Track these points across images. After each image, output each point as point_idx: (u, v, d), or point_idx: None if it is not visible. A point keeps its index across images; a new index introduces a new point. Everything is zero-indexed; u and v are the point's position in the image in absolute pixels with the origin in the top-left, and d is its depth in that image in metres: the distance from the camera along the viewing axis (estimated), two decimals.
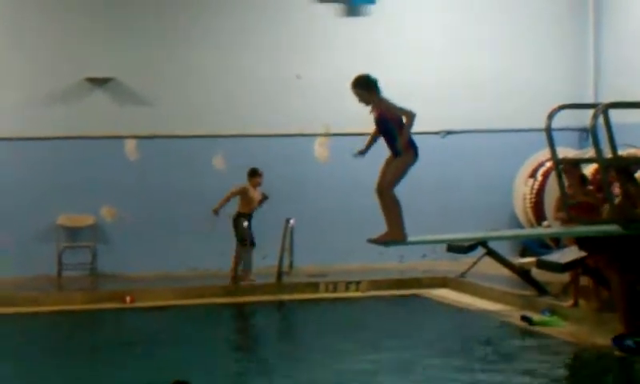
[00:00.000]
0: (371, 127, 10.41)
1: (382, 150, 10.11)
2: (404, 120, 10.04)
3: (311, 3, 17.43)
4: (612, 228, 10.78)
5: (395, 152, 10.11)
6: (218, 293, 15.49)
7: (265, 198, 15.92)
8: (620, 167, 11.07)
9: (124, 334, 13.03)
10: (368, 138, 10.36)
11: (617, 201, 10.74)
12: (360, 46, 16.95)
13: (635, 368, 10.39)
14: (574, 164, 13.00)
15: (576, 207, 12.11)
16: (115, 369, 10.84)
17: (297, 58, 17.32)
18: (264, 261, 16.04)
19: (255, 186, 15.92)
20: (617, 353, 10.85)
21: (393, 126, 10.08)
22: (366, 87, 10.06)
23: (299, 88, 17.29)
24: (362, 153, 10.29)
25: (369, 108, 10.26)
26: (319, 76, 17.25)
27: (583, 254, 12.10)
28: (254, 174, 15.91)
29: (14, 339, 12.70)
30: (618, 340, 10.96)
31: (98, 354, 11.74)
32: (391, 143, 10.11)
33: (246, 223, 15.73)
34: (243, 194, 15.85)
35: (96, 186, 16.70)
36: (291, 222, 15.92)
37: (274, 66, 17.25)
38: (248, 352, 12.23)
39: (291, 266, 16.15)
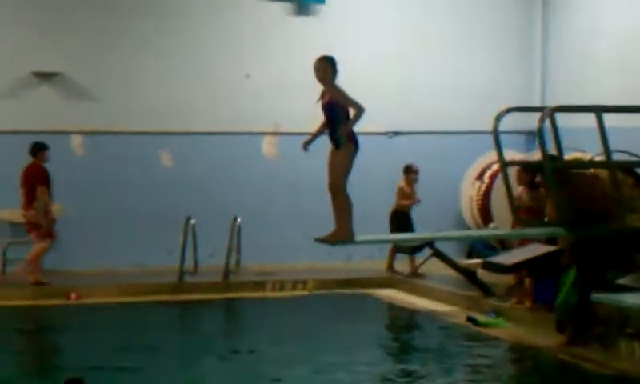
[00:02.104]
0: (319, 123, 10.49)
1: (328, 148, 10.17)
2: (352, 112, 10.17)
3: (261, 2, 17.40)
4: (557, 230, 10.92)
5: (336, 142, 10.21)
6: (165, 290, 15.40)
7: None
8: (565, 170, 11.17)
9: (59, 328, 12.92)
10: (314, 131, 10.47)
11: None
12: (310, 46, 16.82)
13: (576, 370, 10.49)
14: (523, 167, 13.11)
15: (524, 210, 12.24)
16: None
17: (246, 56, 17.29)
18: (211, 259, 15.97)
19: (410, 182, 16.11)
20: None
21: (340, 114, 10.21)
22: (331, 65, 10.30)
23: (248, 86, 17.26)
24: (308, 143, 10.41)
25: (318, 104, 10.36)
26: (268, 75, 17.23)
27: (529, 255, 12.21)
28: (408, 170, 16.15)
29: None
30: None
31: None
32: (334, 132, 10.21)
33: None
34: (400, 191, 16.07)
35: None
36: (239, 220, 15.88)
37: (223, 65, 17.21)
38: (174, 349, 12.05)
39: (238, 264, 16.11)
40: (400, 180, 16.19)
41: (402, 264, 16.05)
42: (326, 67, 10.38)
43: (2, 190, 16.35)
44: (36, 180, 15.37)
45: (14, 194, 16.25)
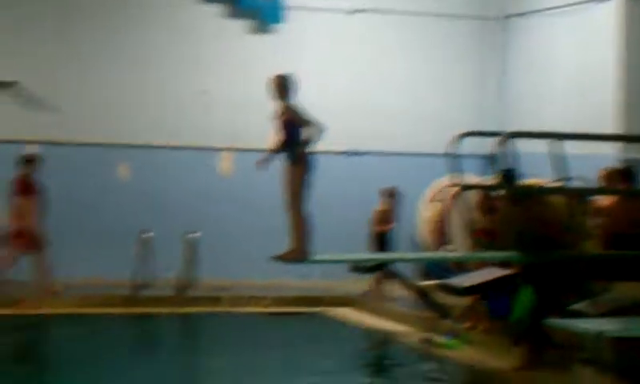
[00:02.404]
0: (272, 141, 10.48)
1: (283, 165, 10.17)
2: (309, 131, 10.17)
3: (219, 19, 17.40)
4: (513, 254, 10.94)
5: (291, 160, 10.20)
6: (119, 302, 15.29)
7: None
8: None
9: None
10: (268, 148, 10.47)
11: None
12: (267, 64, 16.78)
13: None
14: (482, 190, 13.12)
15: (480, 232, 12.25)
16: None
17: (203, 72, 17.29)
18: (167, 273, 15.85)
19: (392, 206, 15.86)
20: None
21: (296, 131, 10.23)
22: (287, 84, 10.32)
23: (205, 102, 17.22)
24: (262, 162, 10.43)
25: (273, 121, 10.37)
26: (226, 91, 17.22)
27: (484, 278, 12.20)
28: (391, 194, 15.92)
29: None
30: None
31: None
32: (289, 150, 10.21)
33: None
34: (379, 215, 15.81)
35: None
36: (195, 234, 15.79)
37: (180, 80, 17.22)
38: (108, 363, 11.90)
39: (193, 279, 16.00)
40: (378, 204, 15.92)
41: (360, 283, 15.97)
42: (281, 86, 10.40)
43: None
44: (23, 191, 15.27)
45: None
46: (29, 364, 11.67)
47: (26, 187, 15.33)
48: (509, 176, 11.01)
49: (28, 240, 15.24)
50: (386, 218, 15.78)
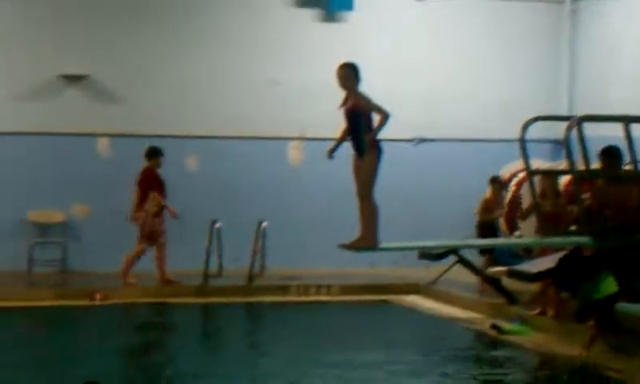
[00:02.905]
0: (341, 129, 10.53)
1: (352, 153, 10.21)
2: (377, 118, 10.20)
3: (289, 8, 17.44)
4: (584, 239, 10.88)
5: (360, 149, 10.24)
6: (189, 292, 15.44)
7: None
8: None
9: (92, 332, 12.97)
10: (337, 137, 10.52)
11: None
12: (336, 52, 16.76)
13: (599, 378, 10.44)
14: (547, 174, 13.07)
15: (547, 216, 12.18)
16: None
17: (273, 62, 17.33)
18: (236, 263, 15.98)
19: (496, 193, 15.41)
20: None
21: (364, 119, 10.26)
22: (353, 72, 10.36)
23: (275, 92, 17.31)
24: (332, 151, 10.48)
25: (341, 110, 10.42)
26: (295, 80, 17.27)
27: (554, 264, 12.15)
28: (494, 181, 15.50)
29: None
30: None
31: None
32: (357, 139, 10.24)
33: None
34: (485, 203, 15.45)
35: (67, 182, 16.65)
36: (264, 224, 15.89)
37: (249, 70, 17.28)
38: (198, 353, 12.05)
39: (263, 268, 16.12)
40: (486, 192, 15.58)
41: (428, 271, 15.97)
42: (348, 74, 10.45)
43: (27, 192, 16.46)
44: (148, 185, 15.50)
45: (39, 195, 16.41)
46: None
47: (149, 180, 15.56)
48: (612, 155, 10.95)
49: (148, 232, 15.49)
50: (492, 206, 15.47)
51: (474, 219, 15.44)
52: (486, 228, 15.27)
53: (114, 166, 16.88)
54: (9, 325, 13.28)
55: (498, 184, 15.57)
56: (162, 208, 15.64)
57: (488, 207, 15.47)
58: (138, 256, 15.70)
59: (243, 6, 17.34)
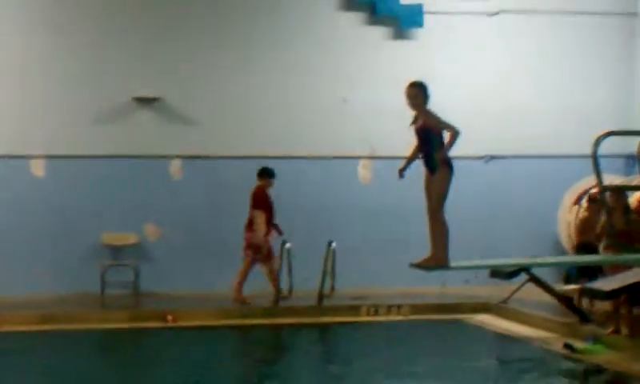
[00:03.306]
0: (411, 148, 10.51)
1: (423, 172, 10.16)
2: (447, 135, 10.18)
3: (359, 26, 17.46)
4: None
5: (431, 167, 10.23)
6: (259, 314, 15.48)
7: None
8: None
9: (162, 354, 13.05)
10: (408, 156, 10.50)
11: None
12: (407, 70, 16.84)
13: None
14: (620, 191, 12.91)
15: (620, 234, 12.04)
16: None
17: (343, 80, 17.36)
18: (305, 283, 15.98)
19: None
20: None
21: (434, 138, 10.25)
22: (422, 91, 10.36)
23: (344, 111, 17.33)
24: (403, 170, 10.48)
25: (411, 128, 10.41)
26: (365, 99, 17.27)
27: (628, 281, 11.99)
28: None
29: (58, 355, 12.74)
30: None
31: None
32: (428, 157, 10.23)
33: None
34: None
35: (140, 204, 16.82)
36: (333, 244, 15.89)
37: (320, 89, 17.32)
38: (278, 375, 12.11)
39: (333, 288, 16.11)
40: (580, 211, 15.30)
41: (500, 290, 15.83)
42: (417, 93, 10.45)
43: (101, 214, 16.66)
44: (257, 203, 15.71)
45: (112, 218, 16.59)
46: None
47: (257, 199, 15.72)
48: None
49: (258, 251, 15.63)
50: (590, 225, 14.90)
51: (568, 241, 15.15)
52: (586, 249, 14.68)
53: (186, 187, 17.01)
54: (83, 347, 13.42)
55: (594, 202, 15.03)
56: (270, 227, 15.74)
57: (586, 227, 15.19)
58: (246, 272, 15.83)
59: (312, 25, 17.38)
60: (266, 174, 15.86)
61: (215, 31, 17.16)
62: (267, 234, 15.73)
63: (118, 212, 16.75)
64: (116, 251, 16.76)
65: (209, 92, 17.10)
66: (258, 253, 15.66)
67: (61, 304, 15.81)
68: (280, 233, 15.87)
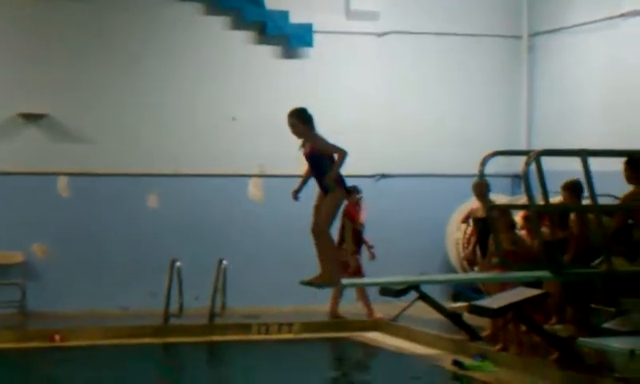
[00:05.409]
0: (305, 168, 10.53)
1: (314, 191, 10.17)
2: (335, 157, 10.23)
3: (249, 45, 17.45)
4: (544, 274, 10.92)
5: (325, 189, 10.27)
6: (149, 333, 15.32)
7: None
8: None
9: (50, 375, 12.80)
10: (300, 179, 10.51)
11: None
12: (296, 88, 16.94)
13: None
14: (506, 210, 13.12)
15: (508, 252, 12.23)
16: None
17: (232, 98, 17.31)
18: (196, 301, 15.87)
19: None
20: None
21: (324, 161, 10.28)
22: (301, 120, 10.37)
23: (234, 128, 17.29)
24: (297, 192, 10.49)
25: (301, 151, 10.43)
26: (254, 117, 17.25)
27: (514, 299, 12.18)
28: None
29: None
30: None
31: None
32: (321, 180, 10.26)
33: None
34: None
35: (27, 222, 16.49)
36: (224, 262, 15.82)
37: (209, 106, 17.23)
38: None
39: (224, 307, 16.02)
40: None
41: (389, 307, 15.95)
42: (294, 122, 10.45)
43: None
44: (346, 220, 15.56)
45: None
46: None
47: (346, 217, 15.49)
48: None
49: (347, 267, 15.38)
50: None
51: (457, 259, 15.33)
52: None
53: (74, 205, 16.75)
54: None
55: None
56: (359, 245, 15.74)
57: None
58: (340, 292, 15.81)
59: (202, 43, 17.31)
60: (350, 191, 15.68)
61: (104, 50, 16.95)
62: (357, 251, 15.76)
63: (4, 230, 16.39)
64: (2, 270, 16.40)
65: (98, 109, 16.88)
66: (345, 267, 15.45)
67: None
68: (371, 255, 15.90)
